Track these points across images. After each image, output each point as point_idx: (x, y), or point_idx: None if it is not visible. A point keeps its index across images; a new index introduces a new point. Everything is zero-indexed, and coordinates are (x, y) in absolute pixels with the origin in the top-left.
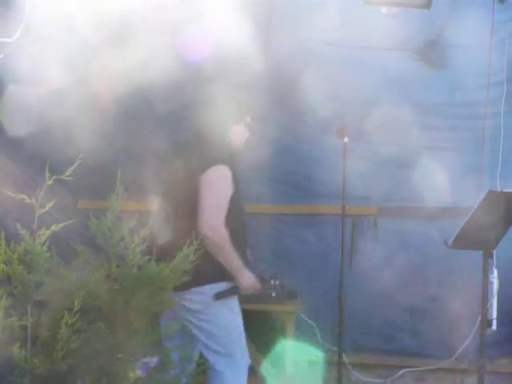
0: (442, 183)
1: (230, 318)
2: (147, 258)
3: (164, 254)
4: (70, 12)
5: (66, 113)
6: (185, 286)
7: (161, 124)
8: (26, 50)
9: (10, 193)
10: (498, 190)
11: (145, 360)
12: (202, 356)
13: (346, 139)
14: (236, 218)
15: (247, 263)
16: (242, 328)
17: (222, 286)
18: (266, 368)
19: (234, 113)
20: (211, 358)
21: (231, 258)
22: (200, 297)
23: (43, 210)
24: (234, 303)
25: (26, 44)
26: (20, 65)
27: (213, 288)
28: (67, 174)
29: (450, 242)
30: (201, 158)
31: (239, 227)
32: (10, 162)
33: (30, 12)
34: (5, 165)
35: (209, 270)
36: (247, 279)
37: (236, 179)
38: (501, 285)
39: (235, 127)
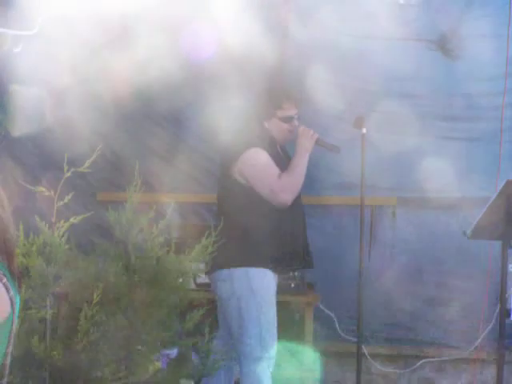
0: (461, 173)
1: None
2: (166, 249)
3: None
4: (72, 12)
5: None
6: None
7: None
8: (29, 50)
9: (29, 186)
10: None
11: (165, 351)
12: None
13: (364, 130)
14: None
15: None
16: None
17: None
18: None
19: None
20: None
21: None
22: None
23: (62, 203)
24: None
25: (29, 44)
26: (23, 64)
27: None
28: (86, 165)
29: (468, 233)
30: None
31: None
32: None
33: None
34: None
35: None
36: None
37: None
38: None
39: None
